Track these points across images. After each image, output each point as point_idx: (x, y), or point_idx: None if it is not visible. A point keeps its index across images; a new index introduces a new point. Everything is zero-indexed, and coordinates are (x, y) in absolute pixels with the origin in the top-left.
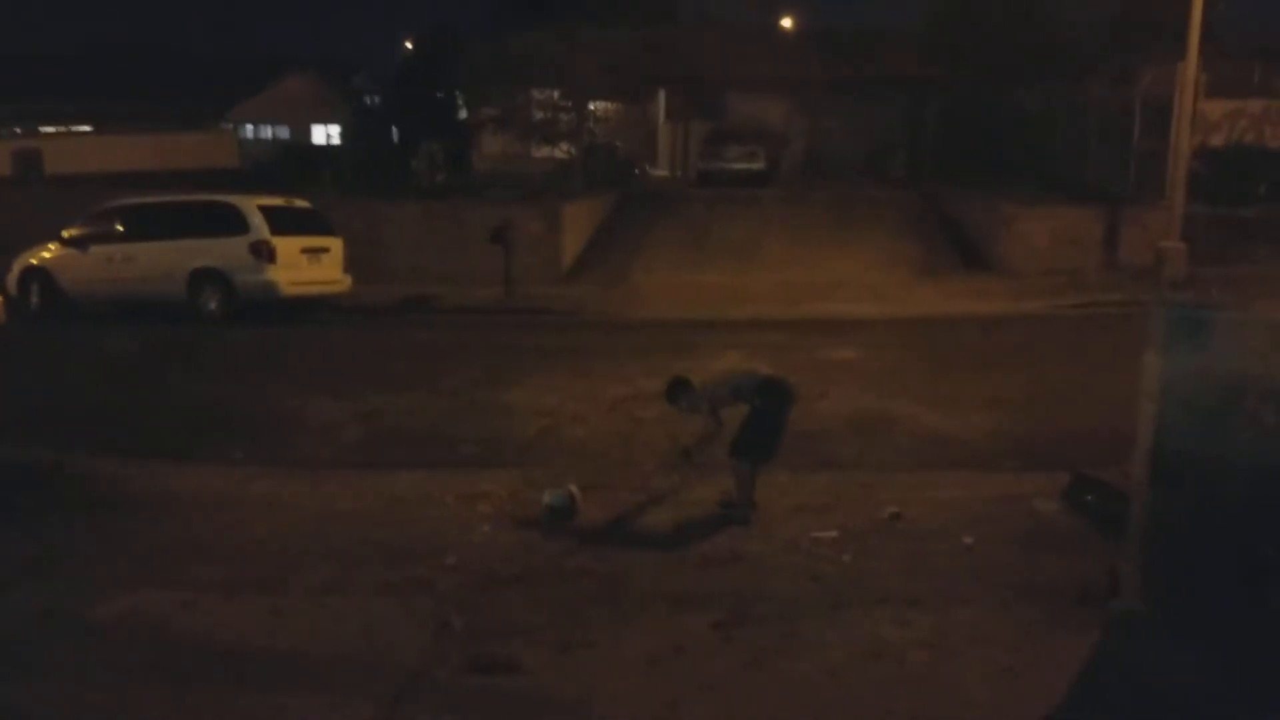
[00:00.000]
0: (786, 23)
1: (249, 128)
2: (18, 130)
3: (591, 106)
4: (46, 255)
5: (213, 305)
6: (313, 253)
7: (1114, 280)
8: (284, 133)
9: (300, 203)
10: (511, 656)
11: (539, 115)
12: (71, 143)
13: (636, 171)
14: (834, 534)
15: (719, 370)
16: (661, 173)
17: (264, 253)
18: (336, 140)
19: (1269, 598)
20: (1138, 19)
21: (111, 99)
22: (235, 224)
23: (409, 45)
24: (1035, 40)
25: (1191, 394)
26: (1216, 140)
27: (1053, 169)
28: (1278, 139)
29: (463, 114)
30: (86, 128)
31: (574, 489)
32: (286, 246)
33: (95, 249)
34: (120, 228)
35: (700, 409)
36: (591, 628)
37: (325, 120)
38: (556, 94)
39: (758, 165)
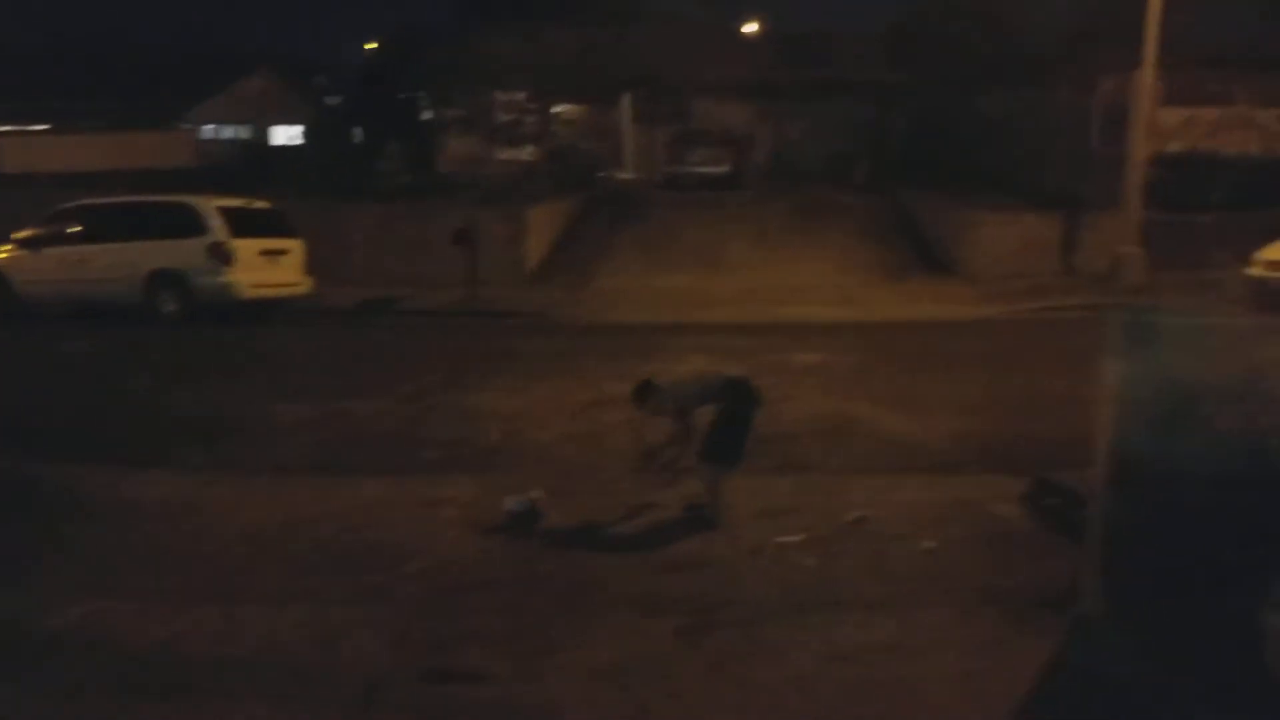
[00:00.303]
0: (752, 27)
1: (209, 128)
2: None
3: (557, 109)
4: (1, 256)
5: (170, 307)
6: (272, 254)
7: (1073, 285)
8: (245, 133)
9: (260, 204)
10: (474, 665)
11: (504, 117)
12: (28, 142)
13: (602, 175)
14: (799, 538)
15: (686, 371)
16: (627, 176)
17: (222, 254)
18: (298, 141)
19: (1228, 601)
20: (1097, 28)
21: (69, 98)
22: (193, 225)
23: (373, 46)
24: (996, 48)
25: (1150, 398)
26: (1173, 147)
27: (1014, 175)
28: (1232, 146)
29: (427, 115)
30: (44, 127)
31: (537, 494)
32: (246, 248)
33: (51, 250)
34: (77, 229)
35: (666, 411)
36: (555, 634)
37: (286, 120)
38: (522, 96)
39: (723, 169)
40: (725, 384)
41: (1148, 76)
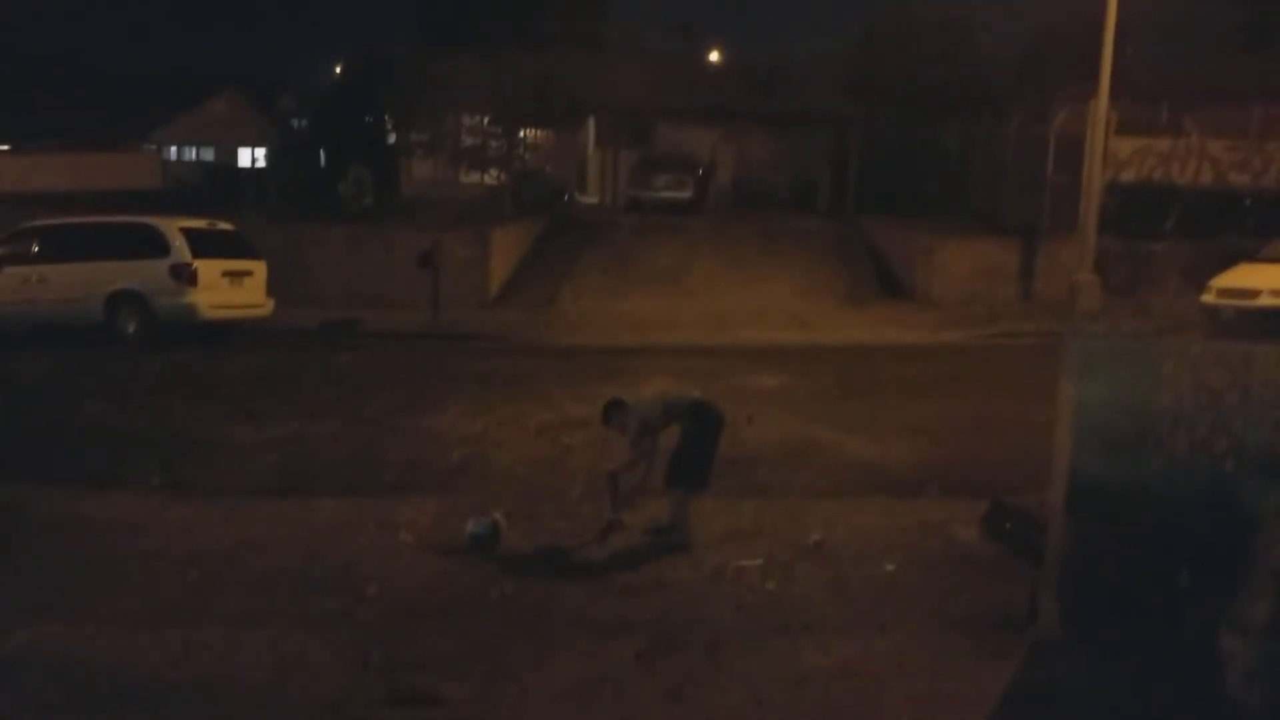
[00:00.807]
0: (714, 55)
1: (172, 149)
2: None
3: (521, 134)
4: None
5: (131, 328)
6: (235, 276)
7: (1029, 310)
8: (209, 154)
9: (223, 225)
10: (432, 689)
11: (468, 141)
12: None
13: (566, 198)
14: (759, 561)
15: (651, 391)
16: (591, 199)
17: (185, 275)
18: (262, 163)
19: (1183, 621)
20: (1052, 59)
21: (29, 117)
22: (156, 246)
23: (338, 69)
24: (952, 78)
25: (1105, 422)
26: (1127, 176)
27: (971, 202)
28: (1185, 176)
29: (391, 138)
30: (4, 147)
31: (498, 516)
32: (208, 269)
33: (10, 270)
34: (37, 249)
35: (630, 429)
36: (514, 658)
37: (251, 142)
38: (486, 120)
39: (685, 193)
40: (690, 406)
41: (1102, 107)
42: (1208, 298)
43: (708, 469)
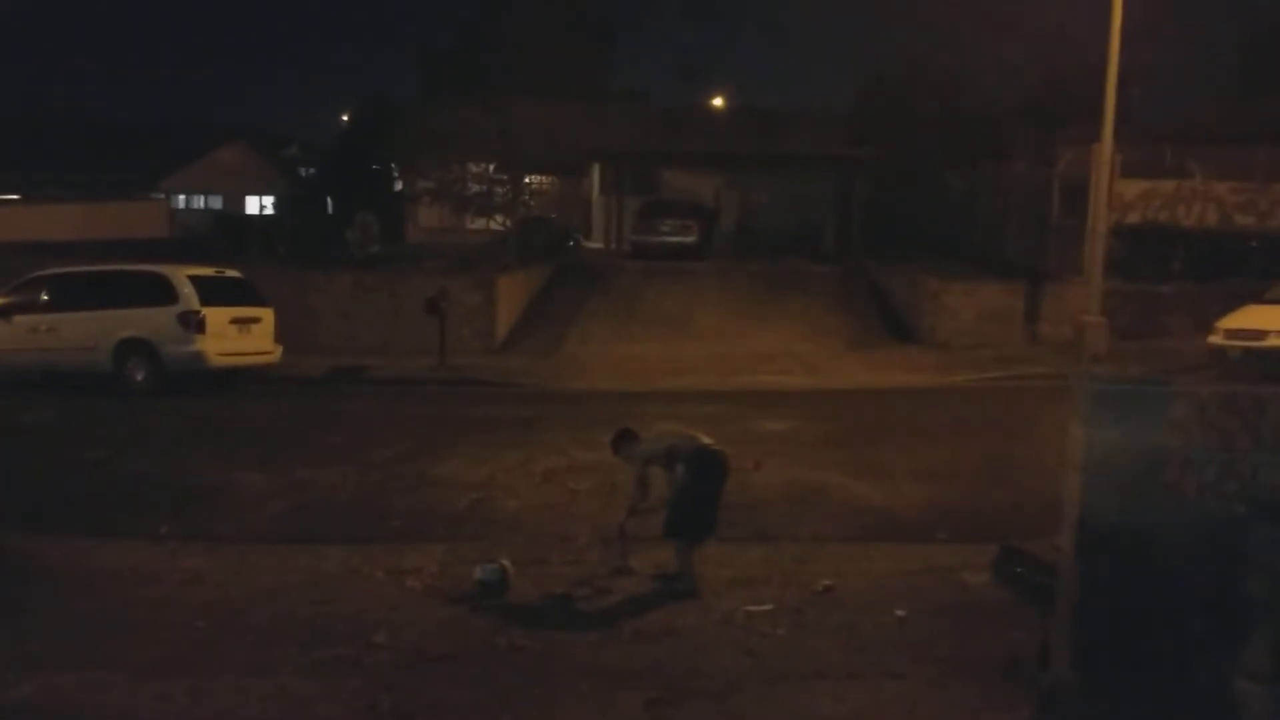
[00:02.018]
0: (718, 101)
1: (181, 198)
2: None
3: (526, 180)
4: None
5: (140, 376)
6: (243, 323)
7: (1036, 353)
8: (217, 203)
9: (231, 273)
10: None
11: (474, 188)
12: None
13: (571, 244)
14: (769, 607)
15: (663, 429)
16: (596, 245)
17: (193, 323)
18: (270, 211)
19: (1196, 667)
20: (1055, 102)
21: (40, 168)
22: (164, 294)
23: (344, 119)
24: (956, 122)
25: (1115, 466)
26: (1132, 218)
27: (976, 245)
28: (1190, 218)
29: (398, 185)
30: (13, 197)
31: (506, 563)
32: (216, 317)
33: (20, 318)
34: (45, 297)
35: (634, 463)
36: (523, 707)
37: (259, 191)
38: (491, 167)
39: (690, 238)
40: (695, 452)
41: (1106, 149)
42: (1215, 339)
43: (711, 518)
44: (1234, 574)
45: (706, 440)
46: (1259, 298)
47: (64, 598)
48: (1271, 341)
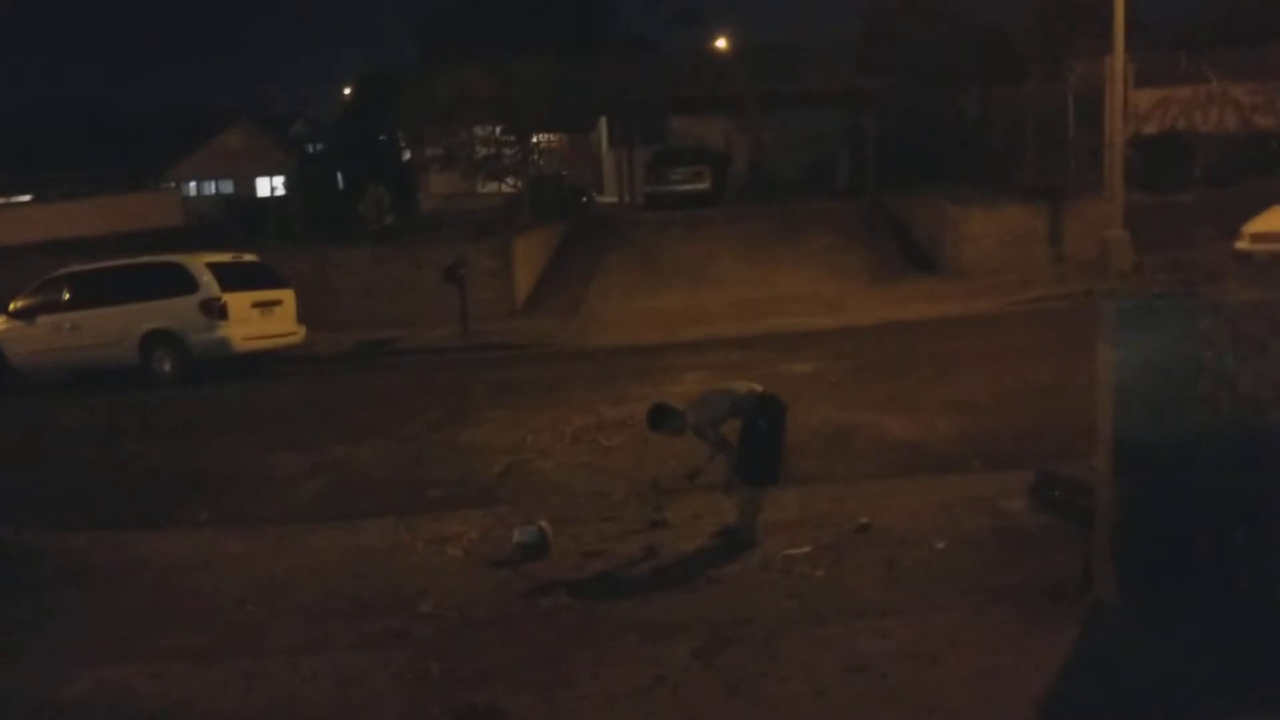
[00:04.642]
0: (721, 43)
1: (191, 185)
2: None
3: (535, 139)
4: None
5: (167, 367)
6: (265, 306)
7: (1062, 274)
8: (227, 187)
9: (249, 257)
10: (493, 702)
11: (483, 151)
12: (11, 214)
13: (584, 200)
14: (807, 549)
15: (711, 390)
16: (609, 199)
17: (215, 310)
18: (281, 191)
19: (1239, 579)
20: (1064, 14)
21: (49, 166)
22: (184, 283)
23: (348, 92)
24: (965, 44)
25: (1146, 383)
26: (1149, 129)
27: (993, 168)
28: (1208, 123)
29: (407, 155)
30: (26, 197)
31: (544, 524)
32: (238, 302)
33: (43, 319)
34: (67, 296)
35: (704, 432)
36: (571, 665)
37: (268, 171)
38: (498, 129)
39: (703, 185)
40: (758, 401)
41: (1118, 60)
42: (1241, 244)
43: (779, 464)
44: (1273, 482)
45: (758, 387)
46: None
47: (111, 592)
48: None
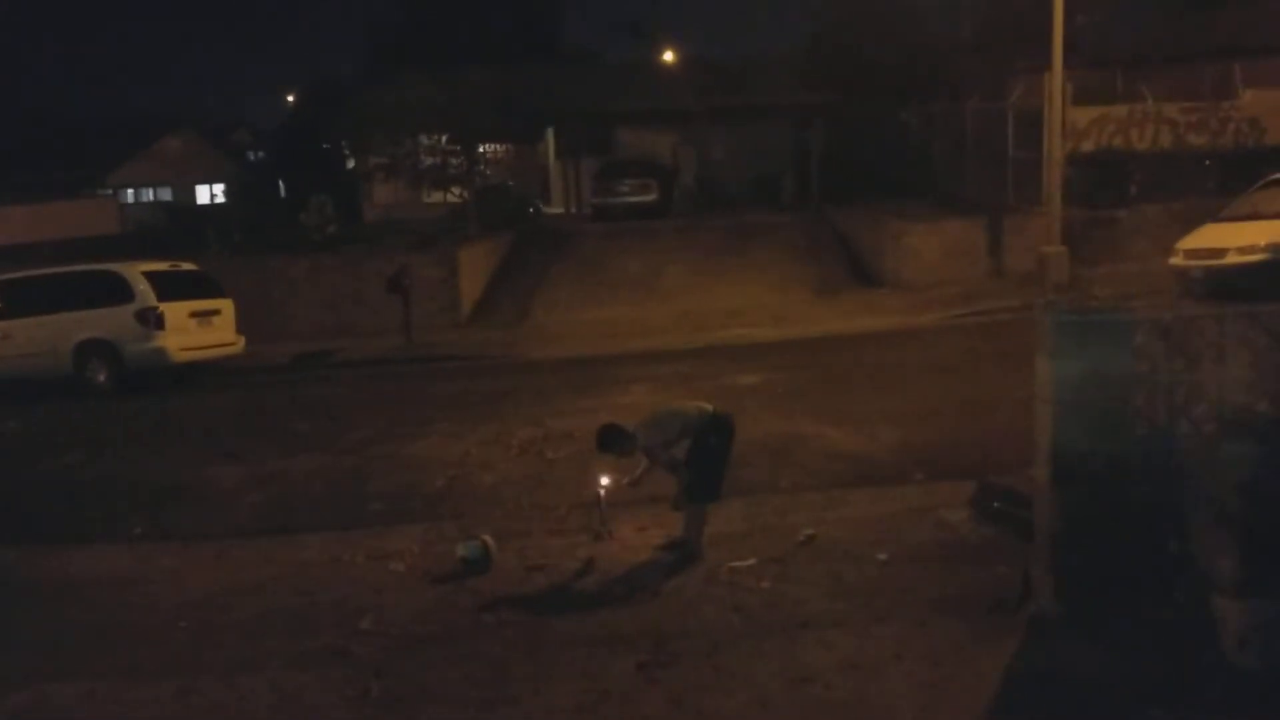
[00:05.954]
0: (668, 56)
1: (129, 192)
2: None
3: (481, 149)
4: None
5: (101, 377)
6: (203, 316)
7: (1002, 287)
8: (166, 194)
9: (187, 265)
10: None
11: (428, 161)
12: None
13: (531, 211)
14: (752, 561)
15: (660, 410)
16: (556, 210)
17: (151, 320)
18: (222, 199)
19: (1175, 589)
20: (1004, 33)
21: None
22: (120, 292)
23: (291, 99)
24: (907, 60)
25: (1084, 396)
26: (1087, 146)
27: (934, 184)
28: (1144, 141)
29: (350, 164)
30: None
31: (488, 538)
32: (175, 312)
33: None
34: None
35: (656, 454)
36: (514, 682)
37: (208, 179)
38: (444, 138)
39: (650, 197)
40: (709, 419)
41: (1057, 79)
42: (1175, 260)
43: (722, 480)
44: (1207, 494)
45: (708, 406)
46: (1216, 216)
47: (45, 608)
48: (1231, 259)
